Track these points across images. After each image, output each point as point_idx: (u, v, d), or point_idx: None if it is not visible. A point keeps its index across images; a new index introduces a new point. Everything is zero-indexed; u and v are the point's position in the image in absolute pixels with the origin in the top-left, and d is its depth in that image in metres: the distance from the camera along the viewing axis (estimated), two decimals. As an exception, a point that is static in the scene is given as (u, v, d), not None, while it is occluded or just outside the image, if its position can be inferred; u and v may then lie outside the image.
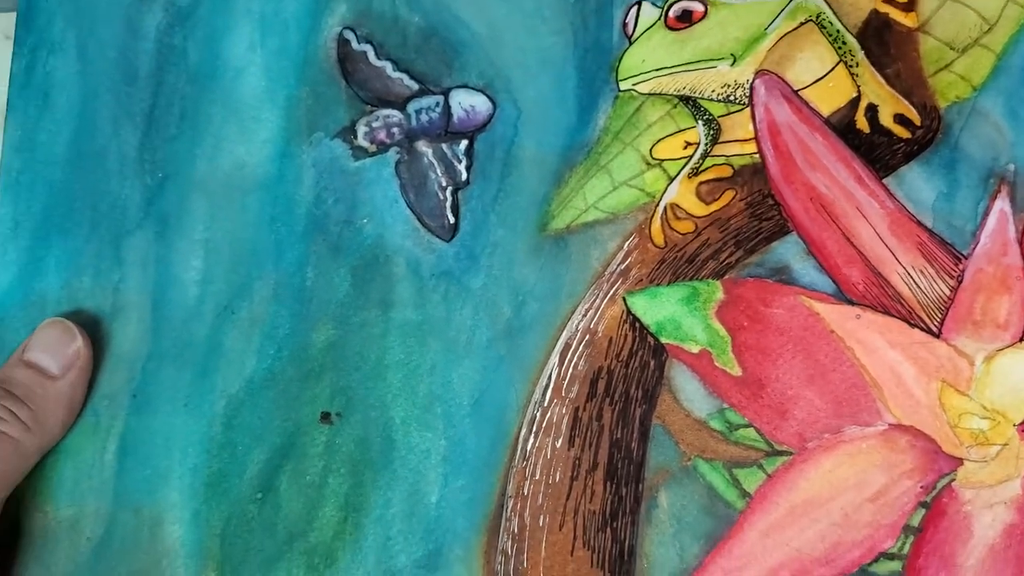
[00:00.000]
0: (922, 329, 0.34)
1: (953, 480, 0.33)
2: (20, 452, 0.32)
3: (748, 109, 0.37)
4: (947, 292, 0.34)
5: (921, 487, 0.33)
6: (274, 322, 0.36)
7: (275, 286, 0.37)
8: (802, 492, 0.33)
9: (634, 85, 0.37)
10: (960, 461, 0.33)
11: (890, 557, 0.33)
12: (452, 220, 0.37)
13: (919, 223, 0.35)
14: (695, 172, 0.37)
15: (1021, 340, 0.34)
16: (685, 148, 0.37)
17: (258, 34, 0.38)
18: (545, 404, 0.35)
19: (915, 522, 0.33)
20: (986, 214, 0.35)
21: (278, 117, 0.38)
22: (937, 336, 0.34)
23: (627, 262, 0.36)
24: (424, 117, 0.38)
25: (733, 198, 0.36)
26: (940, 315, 0.34)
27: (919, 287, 0.34)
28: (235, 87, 0.38)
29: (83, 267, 0.37)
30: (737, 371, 0.34)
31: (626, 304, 0.36)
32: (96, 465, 0.35)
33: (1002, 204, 0.35)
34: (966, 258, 0.35)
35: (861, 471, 0.33)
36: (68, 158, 0.38)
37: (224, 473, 0.35)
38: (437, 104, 0.38)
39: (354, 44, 0.38)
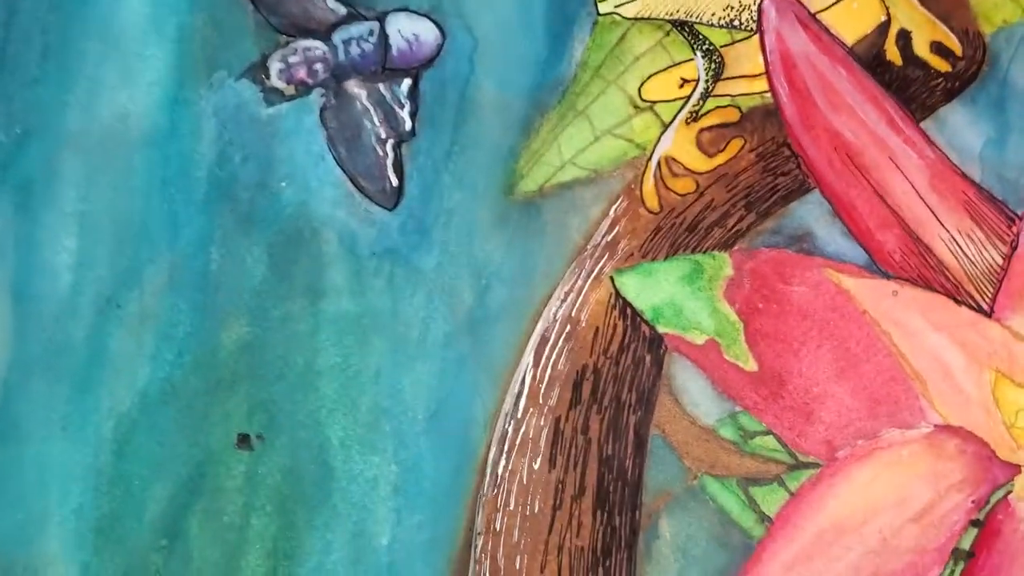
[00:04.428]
0: (970, 307, 0.34)
1: (1010, 492, 0.33)
2: None
3: (756, 37, 0.36)
4: (999, 261, 0.34)
5: (972, 502, 0.33)
6: (172, 318, 0.36)
7: (171, 271, 0.36)
8: (832, 514, 0.33)
9: (617, 7, 0.37)
10: (1018, 468, 0.33)
11: (938, 589, 0.34)
12: (395, 182, 0.36)
13: (965, 176, 0.35)
14: (694, 117, 0.36)
15: (1091, 318, 0.34)
16: (681, 87, 0.36)
17: (140, -57, 0.38)
18: (519, 415, 0.35)
19: (966, 545, 0.33)
20: (1045, 163, 0.36)
21: (168, 53, 0.37)
22: (988, 315, 0.34)
23: (614, 232, 0.36)
24: (355, 49, 0.36)
25: (742, 148, 0.36)
26: (991, 289, 0.34)
27: (966, 255, 0.34)
28: (112, 16, 0.37)
29: (-80, 255, 0.37)
30: (752, 365, 0.34)
31: (614, 285, 0.35)
32: (-47, 509, 0.35)
33: (1063, 150, 0.36)
34: (1021, 219, 0.35)
35: (902, 485, 0.33)
36: None
37: (118, 515, 0.35)
38: (371, 32, 0.36)
39: (263, -45, 0.38)
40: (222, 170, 0.36)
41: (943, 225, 0.34)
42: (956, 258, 0.34)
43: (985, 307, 0.34)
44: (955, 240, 0.34)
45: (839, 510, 0.33)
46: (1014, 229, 0.34)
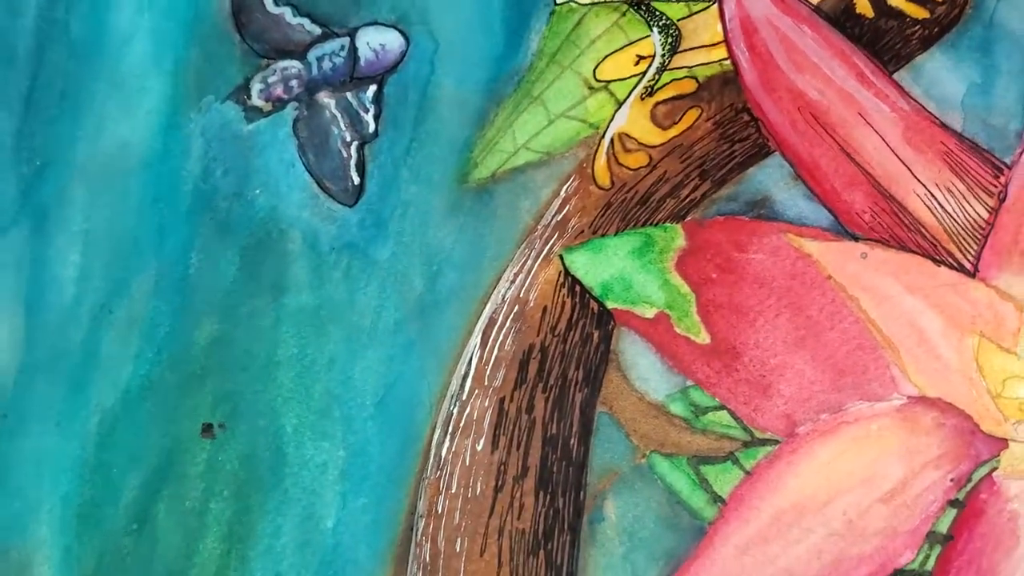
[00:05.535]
0: (951, 267, 0.32)
1: (995, 469, 0.31)
2: None
3: (715, 6, 0.35)
4: (984, 215, 0.32)
5: (952, 480, 0.30)
6: (153, 319, 0.36)
7: (156, 278, 0.36)
8: (792, 493, 0.31)
9: (573, -7, 0.37)
10: (1004, 443, 0.31)
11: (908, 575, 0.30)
12: (356, 180, 0.36)
13: (944, 127, 0.33)
14: (650, 91, 0.35)
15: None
16: (637, 63, 0.36)
17: (147, -6, 0.40)
18: (464, 397, 0.34)
19: (943, 528, 0.31)
20: (1037, 106, 0.34)
21: (165, 85, 0.38)
22: (972, 275, 0.32)
23: (565, 211, 0.35)
24: (327, 64, 0.37)
25: (698, 118, 0.35)
26: (975, 246, 0.32)
27: (946, 211, 0.32)
28: (121, 58, 0.38)
29: (-52, 274, 0.38)
30: (704, 337, 0.33)
31: (563, 263, 0.34)
32: (-36, 499, 0.36)
33: (1058, 91, 0.34)
34: (1010, 168, 0.33)
35: (871, 462, 0.31)
36: (-65, 152, 0.39)
37: (97, 502, 0.35)
38: (342, 48, 0.37)
39: (249, -11, 0.39)
40: (205, 184, 0.37)
41: (919, 179, 0.32)
42: (934, 214, 0.32)
43: (968, 266, 0.32)
44: (932, 195, 0.32)
45: (799, 489, 0.31)
46: (1001, 179, 0.32)
